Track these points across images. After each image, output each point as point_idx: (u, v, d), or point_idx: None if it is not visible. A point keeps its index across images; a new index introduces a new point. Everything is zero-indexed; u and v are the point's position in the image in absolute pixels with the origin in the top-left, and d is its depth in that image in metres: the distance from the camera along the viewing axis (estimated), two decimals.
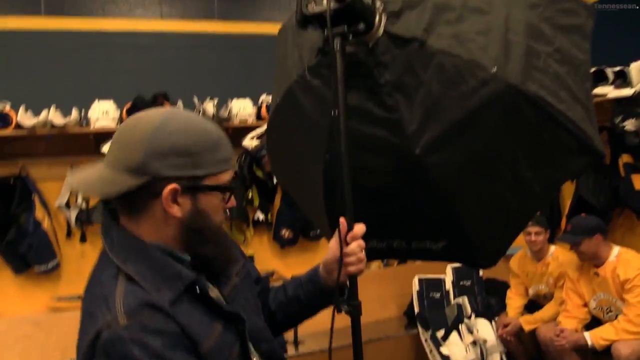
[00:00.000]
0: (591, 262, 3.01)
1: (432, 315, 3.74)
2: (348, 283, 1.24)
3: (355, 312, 1.22)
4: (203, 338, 0.95)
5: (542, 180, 1.38)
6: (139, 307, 0.90)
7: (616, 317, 2.95)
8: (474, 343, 3.48)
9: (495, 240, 1.47)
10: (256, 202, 3.85)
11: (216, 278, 1.07)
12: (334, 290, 1.22)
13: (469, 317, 3.66)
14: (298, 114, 1.46)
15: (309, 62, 1.39)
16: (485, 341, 3.47)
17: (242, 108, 3.51)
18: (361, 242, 1.21)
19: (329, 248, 1.26)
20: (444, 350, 3.47)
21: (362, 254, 1.21)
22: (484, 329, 3.56)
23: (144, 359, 0.86)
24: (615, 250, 2.98)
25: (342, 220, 1.22)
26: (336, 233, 1.22)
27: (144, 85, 3.52)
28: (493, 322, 3.60)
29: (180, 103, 3.36)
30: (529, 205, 1.45)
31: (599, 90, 3.11)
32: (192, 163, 0.95)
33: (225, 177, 1.02)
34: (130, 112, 3.25)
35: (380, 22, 1.30)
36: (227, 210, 1.07)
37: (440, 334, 3.59)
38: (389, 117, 1.33)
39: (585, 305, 3.13)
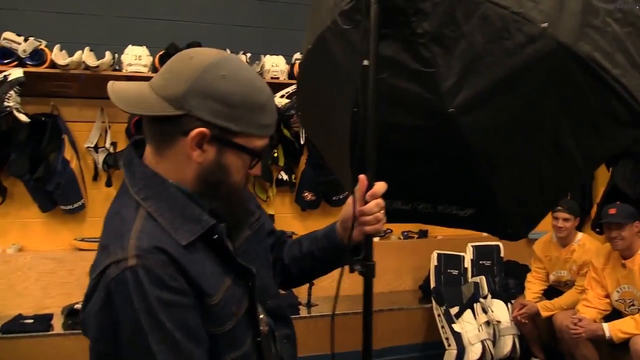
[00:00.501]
0: (621, 252, 2.91)
1: (448, 291, 3.71)
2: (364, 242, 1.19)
3: (368, 273, 1.18)
4: (213, 290, 0.93)
5: (584, 150, 1.29)
6: (151, 250, 0.87)
7: (639, 311, 2.87)
8: (487, 323, 3.44)
9: (525, 212, 1.41)
10: (281, 162, 3.82)
11: (228, 228, 1.03)
12: (346, 248, 1.18)
13: (485, 297, 3.61)
14: (329, 62, 1.40)
15: (343, 7, 1.32)
16: (498, 322, 3.43)
17: (274, 64, 3.45)
18: (380, 201, 1.16)
19: (346, 204, 1.21)
20: (456, 327, 3.44)
21: (381, 214, 1.16)
22: (499, 310, 3.51)
23: (140, 312, 0.84)
24: None
25: (361, 177, 1.17)
26: (356, 190, 1.17)
27: (178, 34, 3.49)
28: (509, 305, 3.55)
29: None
30: (565, 178, 1.38)
31: None
32: (230, 115, 0.91)
33: (259, 142, 0.97)
34: (162, 59, 3.23)
35: None
36: (249, 175, 1.03)
37: (454, 311, 3.56)
38: (424, 71, 1.26)
39: (607, 296, 3.05)
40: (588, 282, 3.12)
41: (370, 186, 1.16)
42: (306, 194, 3.92)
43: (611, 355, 3.07)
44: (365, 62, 1.29)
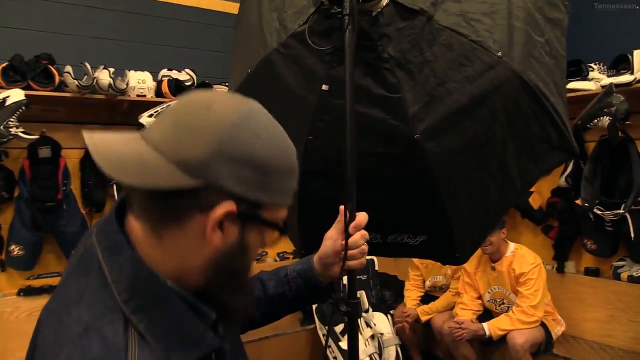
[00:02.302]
0: (490, 256, 3.17)
1: (330, 309, 3.69)
2: (345, 279, 1.12)
3: (353, 312, 1.13)
4: None
5: (523, 174, 1.36)
6: None
7: (507, 309, 3.15)
8: (372, 337, 3.51)
9: (472, 235, 1.42)
10: None
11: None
12: (332, 287, 1.11)
13: (367, 311, 3.68)
14: (276, 86, 1.27)
15: (295, 29, 1.21)
16: (382, 334, 3.52)
17: (141, 81, 3.12)
18: (365, 233, 1.08)
19: (325, 239, 1.10)
20: (343, 344, 3.44)
21: (365, 246, 1.09)
22: (381, 322, 3.60)
23: None
24: (512, 246, 3.18)
25: (341, 208, 1.08)
26: (336, 223, 1.09)
27: (26, 43, 2.98)
28: (389, 316, 3.66)
29: (69, 68, 2.88)
30: (506, 201, 1.42)
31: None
32: (263, 184, 0.70)
33: (284, 213, 0.77)
34: (5, 72, 2.71)
35: None
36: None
37: (338, 328, 3.56)
38: (389, 96, 1.20)
39: (480, 297, 3.31)
40: (462, 286, 3.35)
41: (352, 217, 1.07)
42: None
43: (484, 352, 3.35)
44: (325, 87, 1.20)
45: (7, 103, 2.58)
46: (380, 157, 1.27)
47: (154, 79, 3.26)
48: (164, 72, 3.36)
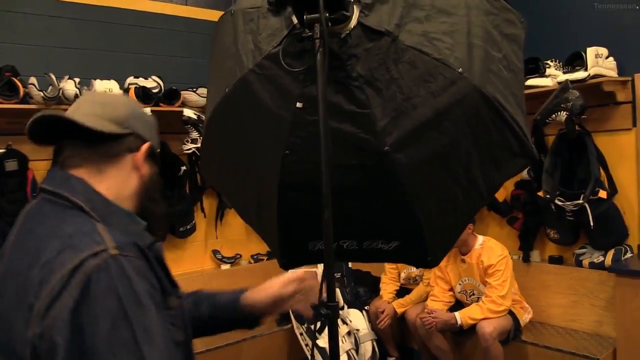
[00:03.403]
0: (459, 249, 3.28)
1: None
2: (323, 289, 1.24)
3: (333, 314, 1.22)
4: (170, 295, 0.95)
5: (487, 180, 1.43)
6: (131, 244, 0.87)
7: (478, 299, 3.27)
8: (349, 333, 3.58)
9: (443, 240, 1.50)
10: None
11: None
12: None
13: (342, 309, 3.75)
14: (253, 105, 1.32)
15: (270, 50, 1.26)
16: (358, 330, 3.60)
17: (108, 89, 3.10)
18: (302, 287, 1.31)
19: (267, 287, 1.29)
20: (321, 342, 3.50)
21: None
22: (357, 318, 3.68)
23: (125, 300, 0.80)
24: (480, 239, 3.29)
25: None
26: (280, 278, 1.29)
27: None
28: (364, 312, 3.75)
29: (33, 80, 2.85)
30: (473, 206, 1.50)
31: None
32: (151, 133, 1.07)
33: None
34: None
35: (354, 12, 1.23)
36: None
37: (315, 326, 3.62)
38: (359, 112, 1.27)
39: (451, 289, 3.42)
40: (433, 279, 3.46)
41: (327, 230, 1.17)
42: None
43: (457, 343, 3.47)
44: (299, 105, 1.25)
45: None
46: (353, 168, 1.33)
47: (121, 87, 3.25)
48: (131, 79, 3.35)
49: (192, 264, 3.96)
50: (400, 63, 1.25)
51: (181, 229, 3.72)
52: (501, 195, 3.73)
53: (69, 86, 2.89)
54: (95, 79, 3.13)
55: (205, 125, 1.51)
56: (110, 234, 0.87)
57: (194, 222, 3.81)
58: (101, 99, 1.05)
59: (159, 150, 1.09)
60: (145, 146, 1.02)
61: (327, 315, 1.19)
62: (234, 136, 1.47)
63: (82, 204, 0.91)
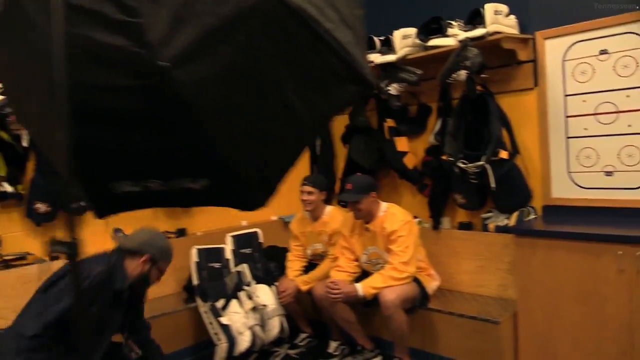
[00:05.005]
0: (364, 219, 3.14)
1: (212, 285, 3.57)
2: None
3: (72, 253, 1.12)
4: None
5: (312, 109, 1.27)
6: None
7: (383, 268, 3.15)
8: (254, 309, 3.42)
9: (263, 177, 1.32)
10: (2, 172, 3.16)
11: None
12: None
13: (249, 285, 3.58)
14: (24, 25, 1.12)
15: None
16: (265, 306, 3.43)
17: None
18: None
19: None
20: (224, 320, 3.33)
21: None
22: (264, 294, 3.52)
23: None
24: (384, 206, 3.17)
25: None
26: None
27: None
28: (273, 287, 3.59)
29: None
30: (300, 138, 1.34)
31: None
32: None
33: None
34: None
35: None
36: None
37: (220, 304, 3.44)
38: (129, 21, 1.06)
39: (356, 260, 3.29)
40: (339, 250, 3.32)
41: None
42: (39, 206, 3.32)
43: (364, 313, 3.34)
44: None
45: None
46: (129, 90, 1.12)
47: None
48: None
49: (92, 246, 3.69)
50: None
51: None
52: (411, 162, 3.62)
53: None
54: None
55: None
56: None
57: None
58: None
59: None
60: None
61: (61, 251, 1.04)
62: (16, 67, 1.26)
63: None
